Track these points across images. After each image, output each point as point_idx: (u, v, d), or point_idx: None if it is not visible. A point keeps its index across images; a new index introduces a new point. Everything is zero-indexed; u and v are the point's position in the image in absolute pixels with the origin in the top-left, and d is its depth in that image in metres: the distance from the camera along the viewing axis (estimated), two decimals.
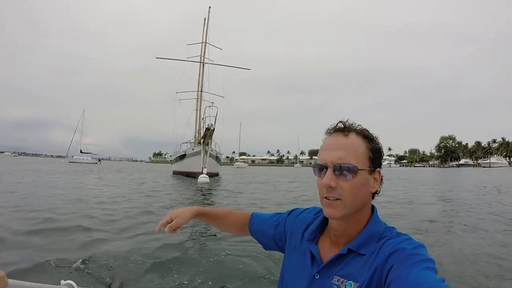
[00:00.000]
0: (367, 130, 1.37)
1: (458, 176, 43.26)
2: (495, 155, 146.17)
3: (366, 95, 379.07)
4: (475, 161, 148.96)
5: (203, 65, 42.61)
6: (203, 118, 31.30)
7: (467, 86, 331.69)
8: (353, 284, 1.24)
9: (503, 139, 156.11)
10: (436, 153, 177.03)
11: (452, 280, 4.77)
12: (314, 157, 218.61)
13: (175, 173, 40.45)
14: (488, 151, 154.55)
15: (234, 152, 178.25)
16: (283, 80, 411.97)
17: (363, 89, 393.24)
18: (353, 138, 1.32)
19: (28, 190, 14.67)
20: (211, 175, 28.41)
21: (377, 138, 1.37)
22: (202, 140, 31.47)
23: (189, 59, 44.68)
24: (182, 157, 37.05)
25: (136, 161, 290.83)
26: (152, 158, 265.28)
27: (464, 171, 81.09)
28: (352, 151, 1.29)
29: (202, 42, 44.05)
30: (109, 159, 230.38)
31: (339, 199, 1.26)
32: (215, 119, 29.65)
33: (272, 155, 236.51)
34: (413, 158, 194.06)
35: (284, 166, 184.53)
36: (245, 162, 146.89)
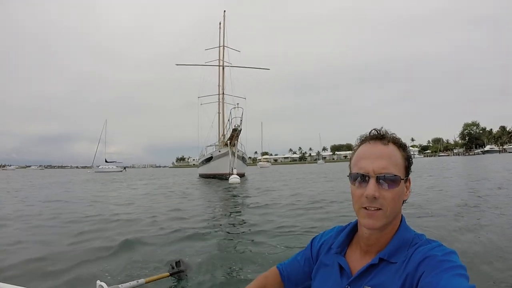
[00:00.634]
0: (401, 139, 1.39)
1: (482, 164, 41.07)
2: None
3: (383, 88, 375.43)
4: (501, 147, 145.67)
5: (222, 68, 43.15)
6: (228, 120, 31.55)
7: (486, 70, 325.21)
8: None
9: None
10: (460, 141, 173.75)
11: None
12: (336, 152, 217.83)
13: (202, 176, 40.99)
14: None
15: (256, 152, 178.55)
16: (300, 78, 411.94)
17: (379, 82, 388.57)
18: (391, 147, 1.34)
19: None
20: (238, 175, 28.81)
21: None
22: (229, 142, 31.87)
23: (208, 64, 45.36)
24: (209, 159, 37.48)
25: (159, 166, 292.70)
26: (175, 163, 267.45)
27: (490, 157, 77.89)
28: (393, 160, 1.30)
29: (219, 46, 44.66)
30: (133, 167, 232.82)
31: (380, 209, 1.27)
32: (241, 120, 30.01)
33: (294, 153, 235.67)
34: (437, 147, 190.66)
35: (308, 163, 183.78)
36: (268, 161, 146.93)
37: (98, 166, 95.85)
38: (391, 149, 1.33)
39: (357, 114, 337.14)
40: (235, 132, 30.97)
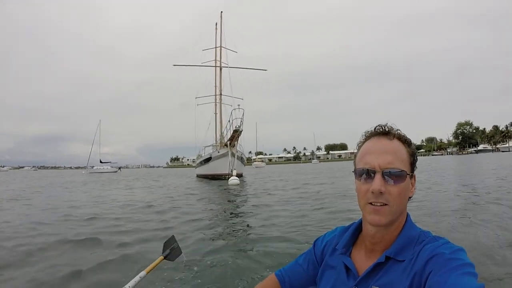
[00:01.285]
0: (405, 135, 1.38)
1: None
2: None
3: (380, 88, 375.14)
4: (494, 146, 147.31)
5: (220, 69, 43.12)
6: (229, 121, 31.53)
7: (480, 70, 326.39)
8: None
9: None
10: (453, 140, 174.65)
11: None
12: (331, 152, 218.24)
13: (199, 176, 40.98)
14: (507, 134, 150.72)
15: (250, 152, 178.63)
16: (297, 78, 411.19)
17: (376, 82, 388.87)
18: (396, 142, 1.33)
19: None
20: (237, 175, 28.85)
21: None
22: (228, 142, 31.79)
23: (204, 64, 45.45)
24: (208, 160, 37.42)
25: (153, 167, 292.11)
26: (170, 163, 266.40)
27: (483, 157, 79.13)
28: (399, 156, 1.30)
29: (216, 47, 44.68)
30: (127, 167, 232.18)
31: (386, 204, 1.25)
32: (242, 121, 30.12)
33: (289, 152, 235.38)
34: (431, 146, 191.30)
35: (302, 162, 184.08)
36: (262, 161, 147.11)
37: (92, 167, 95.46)
38: (396, 144, 1.33)
39: (351, 114, 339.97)
40: (236, 133, 31.01)
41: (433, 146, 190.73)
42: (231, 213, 10.89)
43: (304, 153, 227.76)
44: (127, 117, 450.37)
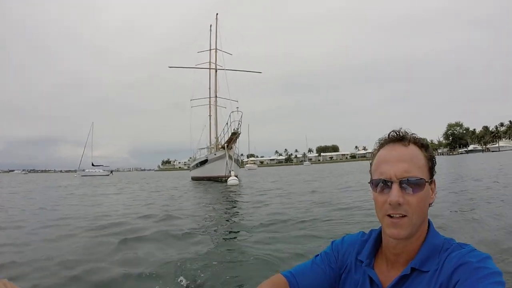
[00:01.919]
0: (421, 138, 1.32)
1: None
2: (503, 139, 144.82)
3: (374, 89, 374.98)
4: (484, 146, 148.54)
5: (215, 71, 42.96)
6: (227, 123, 31.58)
7: (471, 72, 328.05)
8: None
9: (510, 122, 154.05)
10: (444, 141, 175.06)
11: None
12: (322, 153, 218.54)
13: (195, 179, 40.78)
14: (496, 135, 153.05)
15: (242, 155, 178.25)
16: (290, 79, 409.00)
17: (370, 83, 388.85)
18: (413, 148, 1.27)
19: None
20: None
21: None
22: (226, 145, 31.80)
23: (199, 66, 45.47)
24: (204, 162, 37.42)
25: (145, 170, 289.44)
26: (161, 166, 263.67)
27: (472, 156, 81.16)
28: (416, 162, 1.24)
29: (210, 49, 44.49)
30: (118, 170, 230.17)
31: (405, 216, 1.20)
32: (240, 123, 30.22)
33: (280, 154, 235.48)
34: None
35: (294, 164, 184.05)
36: (254, 163, 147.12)
37: (84, 170, 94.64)
38: (413, 150, 1.26)
39: (342, 115, 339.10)
40: (235, 136, 31.02)
41: None
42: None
43: (296, 155, 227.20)
44: (119, 118, 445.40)
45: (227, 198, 16.71)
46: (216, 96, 42.80)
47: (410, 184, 1.19)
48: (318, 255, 1.54)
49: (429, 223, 1.30)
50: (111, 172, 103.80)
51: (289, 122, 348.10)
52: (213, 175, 34.58)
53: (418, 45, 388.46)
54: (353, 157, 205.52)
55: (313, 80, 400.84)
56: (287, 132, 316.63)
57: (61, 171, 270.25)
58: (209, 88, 45.87)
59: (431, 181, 1.27)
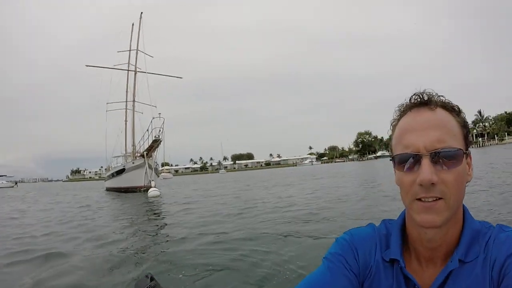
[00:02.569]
0: (450, 101, 1.01)
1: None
2: None
3: (288, 99, 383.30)
4: (391, 152, 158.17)
5: (135, 73, 39.64)
6: (147, 130, 28.98)
7: (378, 85, 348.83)
8: None
9: None
10: (354, 148, 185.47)
11: None
12: (237, 161, 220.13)
13: (110, 189, 37.80)
14: None
15: (156, 163, 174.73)
16: (207, 86, 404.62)
17: (285, 92, 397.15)
18: (441, 112, 0.98)
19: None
20: (149, 188, 26.87)
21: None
22: (145, 153, 29.32)
23: (117, 67, 41.47)
24: (121, 172, 34.41)
25: (52, 181, 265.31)
26: (70, 177, 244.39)
27: (381, 162, 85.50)
28: (449, 129, 0.96)
29: (131, 49, 41.25)
30: (22, 181, 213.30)
31: (440, 198, 0.92)
32: (162, 130, 27.98)
33: (195, 163, 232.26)
34: (333, 154, 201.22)
35: (210, 173, 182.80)
36: (169, 172, 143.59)
37: None
38: (442, 115, 0.98)
39: (260, 123, 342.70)
40: (156, 143, 28.71)
41: (335, 154, 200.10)
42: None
43: (211, 163, 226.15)
44: (21, 123, 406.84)
45: (153, 212, 15.06)
46: (134, 100, 39.52)
47: (445, 157, 0.93)
48: (326, 259, 1.13)
49: (463, 205, 1.04)
50: (16, 183, 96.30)
51: (204, 129, 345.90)
52: (131, 185, 31.72)
53: (330, 61, 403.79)
54: (267, 164, 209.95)
55: (229, 88, 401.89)
56: (203, 140, 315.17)
57: None
58: (126, 92, 42.55)
59: (468, 154, 1.01)
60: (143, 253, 6.72)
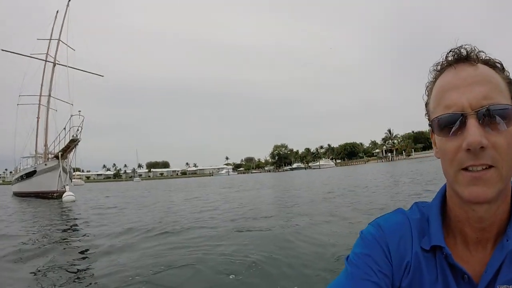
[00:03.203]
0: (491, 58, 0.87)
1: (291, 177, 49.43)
2: (323, 158, 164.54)
3: (205, 109, 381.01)
4: (306, 164, 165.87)
5: (53, 65, 35.03)
6: (64, 128, 25.73)
7: (301, 104, 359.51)
8: None
9: (328, 145, 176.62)
10: (270, 160, 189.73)
11: None
12: (152, 169, 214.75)
13: (18, 194, 34.18)
14: (317, 155, 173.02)
15: (70, 167, 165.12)
16: (126, 91, 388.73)
17: (202, 103, 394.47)
18: (483, 68, 0.85)
19: None
20: (63, 193, 24.26)
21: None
22: (60, 154, 26.20)
23: (35, 56, 36.58)
24: (30, 174, 30.86)
25: None
26: None
27: (296, 173, 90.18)
28: (495, 85, 0.83)
29: (51, 39, 36.76)
30: None
31: (491, 166, 0.78)
32: (81, 130, 24.95)
33: (108, 169, 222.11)
34: (250, 165, 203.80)
35: (124, 180, 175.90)
36: (80, 178, 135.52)
37: None
38: (486, 70, 0.85)
39: (177, 132, 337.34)
40: (74, 143, 25.53)
41: (252, 165, 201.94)
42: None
43: (125, 171, 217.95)
44: None
45: (72, 218, 13.47)
46: (49, 95, 35.09)
47: (494, 115, 0.79)
48: (349, 262, 0.97)
49: None
50: None
51: (119, 135, 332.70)
52: (42, 189, 28.63)
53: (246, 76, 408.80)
54: (184, 173, 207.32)
55: (147, 96, 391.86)
56: (117, 146, 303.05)
57: None
58: (41, 85, 38.41)
59: None
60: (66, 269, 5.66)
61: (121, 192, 36.24)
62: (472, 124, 0.76)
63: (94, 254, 6.61)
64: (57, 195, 26.13)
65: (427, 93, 0.94)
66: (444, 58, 0.88)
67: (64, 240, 8.50)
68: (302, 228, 7.91)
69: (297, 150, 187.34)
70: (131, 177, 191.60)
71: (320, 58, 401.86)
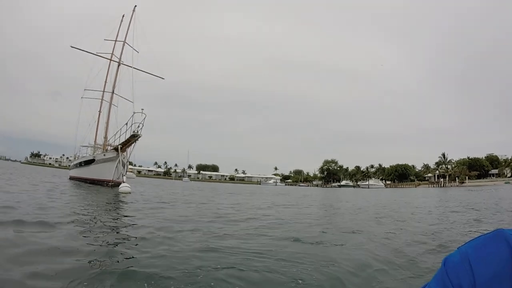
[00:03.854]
0: None
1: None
2: (373, 178, 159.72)
3: (258, 117, 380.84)
4: (355, 183, 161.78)
5: (118, 65, 37.76)
6: (126, 123, 27.35)
7: (353, 119, 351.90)
8: None
9: (379, 165, 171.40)
10: (319, 175, 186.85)
11: None
12: (202, 171, 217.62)
13: (75, 179, 36.37)
14: (367, 174, 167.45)
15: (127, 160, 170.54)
16: (181, 92, 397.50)
17: (255, 111, 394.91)
18: None
19: None
20: (119, 183, 25.84)
21: None
22: (120, 146, 27.89)
23: (102, 55, 39.45)
24: (89, 162, 33.03)
25: (9, 160, 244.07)
26: (29, 159, 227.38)
27: (347, 190, 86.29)
28: None
29: (117, 40, 39.69)
30: None
31: None
32: (142, 126, 26.48)
33: (159, 166, 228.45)
34: (298, 178, 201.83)
35: (174, 179, 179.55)
36: (132, 172, 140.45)
37: None
38: None
39: (228, 137, 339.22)
40: (134, 138, 27.17)
41: (300, 177, 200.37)
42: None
43: (175, 170, 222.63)
44: None
45: (127, 209, 13.98)
46: (113, 92, 37.86)
47: None
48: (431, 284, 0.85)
49: None
50: None
51: (172, 135, 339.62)
52: (99, 177, 30.68)
53: (298, 85, 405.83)
54: (232, 179, 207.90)
55: (201, 98, 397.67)
56: (169, 145, 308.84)
57: None
58: (105, 82, 41.42)
59: None
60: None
61: (183, 189, 37.77)
62: None
63: (153, 242, 6.85)
64: (112, 185, 27.97)
65: None
66: None
67: (120, 224, 9.44)
68: None
69: (347, 167, 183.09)
70: (180, 176, 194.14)
71: (372, 76, 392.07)
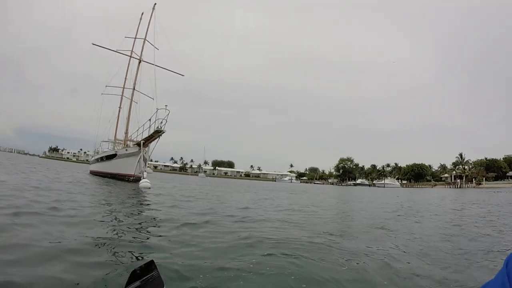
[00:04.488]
0: None
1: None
2: (389, 177, 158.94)
3: (273, 114, 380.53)
4: (371, 182, 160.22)
5: (139, 62, 38.66)
6: (149, 119, 27.74)
7: (368, 117, 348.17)
8: None
9: (396, 164, 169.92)
10: (335, 173, 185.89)
11: None
12: (217, 167, 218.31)
13: (95, 173, 37.22)
14: (383, 173, 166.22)
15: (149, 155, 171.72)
16: (199, 89, 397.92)
17: (270, 107, 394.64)
18: None
19: None
20: (139, 178, 26.42)
21: None
22: (142, 142, 28.35)
23: (123, 52, 40.54)
24: (111, 157, 33.63)
25: (28, 154, 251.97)
26: (47, 154, 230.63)
27: (359, 189, 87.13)
28: None
29: (136, 37, 40.42)
30: None
31: None
32: (166, 122, 26.78)
33: (175, 162, 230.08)
34: (313, 175, 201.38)
35: (190, 174, 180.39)
36: (149, 167, 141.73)
37: None
38: None
39: (244, 134, 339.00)
40: (157, 134, 27.45)
41: (316, 175, 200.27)
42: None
43: (191, 165, 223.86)
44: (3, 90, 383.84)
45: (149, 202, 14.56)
46: (134, 89, 38.77)
47: None
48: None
49: None
50: None
51: (188, 131, 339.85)
52: (119, 172, 31.20)
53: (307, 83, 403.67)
54: (247, 175, 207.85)
55: (218, 94, 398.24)
56: (185, 141, 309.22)
57: None
58: (125, 78, 42.22)
59: None
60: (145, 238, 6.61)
61: (200, 185, 37.77)
62: None
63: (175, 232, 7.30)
64: (133, 179, 28.54)
65: None
66: None
67: (146, 216, 9.92)
68: None
69: (363, 166, 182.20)
70: (196, 172, 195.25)
71: (386, 73, 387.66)
